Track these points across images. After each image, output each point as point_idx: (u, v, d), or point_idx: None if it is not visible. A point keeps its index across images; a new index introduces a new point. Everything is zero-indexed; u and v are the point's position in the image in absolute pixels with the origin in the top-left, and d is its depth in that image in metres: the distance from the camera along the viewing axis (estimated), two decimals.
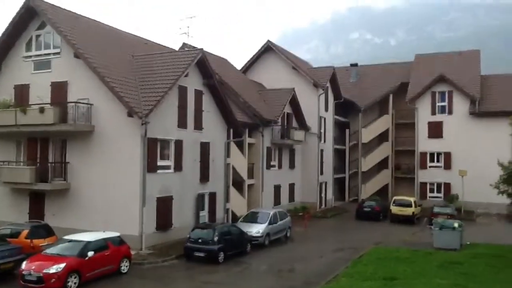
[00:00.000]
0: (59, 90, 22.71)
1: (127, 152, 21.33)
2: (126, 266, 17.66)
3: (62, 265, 15.05)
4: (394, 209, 34.22)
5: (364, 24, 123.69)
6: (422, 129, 43.01)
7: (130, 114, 21.00)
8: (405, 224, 32.68)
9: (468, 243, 24.53)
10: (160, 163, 22.50)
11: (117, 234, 18.06)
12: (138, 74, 24.00)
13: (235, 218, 27.91)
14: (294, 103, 36.55)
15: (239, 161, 29.97)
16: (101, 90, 21.63)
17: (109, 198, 21.35)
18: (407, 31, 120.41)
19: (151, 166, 21.64)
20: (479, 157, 38.35)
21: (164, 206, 22.47)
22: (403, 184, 45.36)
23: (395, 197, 36.33)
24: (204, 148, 25.80)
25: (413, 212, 33.70)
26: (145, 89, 22.61)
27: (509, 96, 40.12)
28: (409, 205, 34.07)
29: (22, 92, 23.69)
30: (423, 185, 42.60)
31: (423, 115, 42.99)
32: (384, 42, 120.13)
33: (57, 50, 23.15)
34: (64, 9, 24.98)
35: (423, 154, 42.78)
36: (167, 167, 23.09)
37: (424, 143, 42.75)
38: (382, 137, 46.99)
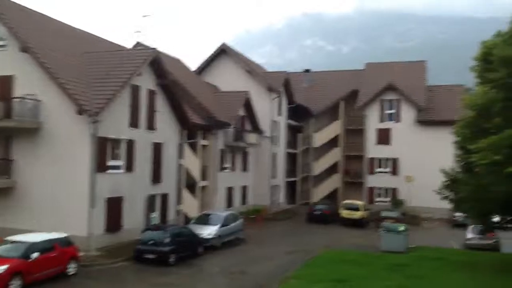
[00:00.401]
0: (4, 85, 21.63)
1: (76, 151, 20.67)
2: (74, 268, 17.07)
3: (4, 267, 14.36)
4: (344, 212, 35.05)
5: (317, 31, 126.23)
6: (370, 136, 44.34)
7: (79, 112, 20.39)
8: (354, 228, 33.52)
9: (414, 246, 25.46)
10: (110, 163, 21.97)
11: (64, 235, 17.43)
12: (90, 71, 23.32)
13: (187, 220, 27.65)
14: (248, 106, 36.71)
15: (192, 163, 29.72)
16: (50, 86, 20.85)
17: (57, 198, 20.56)
18: (359, 39, 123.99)
19: (101, 166, 21.07)
20: (425, 163, 39.91)
21: (114, 207, 21.91)
22: (352, 189, 46.47)
23: (344, 201, 37.22)
24: (157, 149, 25.40)
25: (361, 216, 34.62)
26: (96, 87, 22.00)
27: (453, 106, 42.04)
28: (358, 209, 35.00)
29: None
30: (371, 189, 43.89)
31: (372, 122, 44.35)
32: (337, 49, 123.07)
33: (3, 43, 22.06)
34: (11, 0, 23.89)
35: (372, 160, 44.10)
36: (118, 167, 22.56)
37: (373, 149, 44.08)
38: (333, 142, 47.99)
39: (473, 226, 26.44)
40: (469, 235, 27.24)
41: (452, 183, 22.08)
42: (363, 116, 44.84)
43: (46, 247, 16.07)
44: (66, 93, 20.42)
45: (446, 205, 25.23)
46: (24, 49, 21.25)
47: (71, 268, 16.95)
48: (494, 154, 17.13)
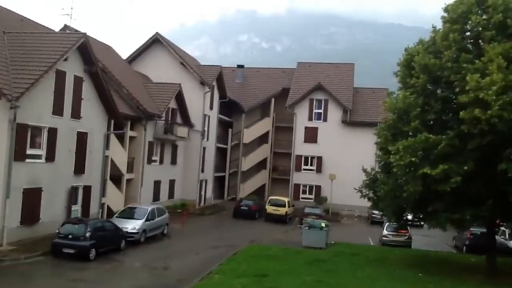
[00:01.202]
0: None
1: None
2: None
3: None
4: (269, 208, 35.76)
5: (252, 28, 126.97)
6: (299, 134, 45.55)
7: None
8: (279, 223, 34.32)
9: (333, 242, 26.58)
10: (29, 151, 20.88)
11: None
12: (11, 53, 21.95)
13: (111, 213, 26.91)
14: (179, 98, 36.29)
15: (119, 154, 28.94)
16: None
17: None
18: (291, 39, 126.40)
19: (19, 154, 19.97)
20: (348, 162, 41.65)
21: (32, 198, 20.88)
22: (280, 185, 47.56)
23: (270, 197, 38.00)
24: (81, 138, 24.46)
25: (286, 212, 35.52)
26: (17, 70, 20.76)
27: (376, 108, 44.18)
28: (283, 205, 35.85)
29: None
30: (297, 186, 45.15)
31: (301, 120, 45.58)
32: (271, 47, 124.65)
33: None
34: None
35: (299, 157, 45.33)
36: (38, 157, 21.51)
37: (300, 147, 45.33)
38: (262, 139, 48.75)
39: (388, 223, 28.01)
40: (385, 232, 28.85)
41: (372, 182, 23.23)
42: (292, 114, 45.91)
43: None
44: None
45: (366, 203, 26.55)
46: None
47: None
48: (410, 156, 18.29)
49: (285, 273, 18.49)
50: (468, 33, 20.01)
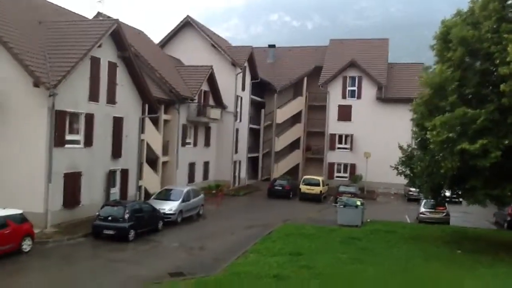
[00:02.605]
0: None
1: (32, 125, 20.10)
2: (29, 245, 16.83)
3: None
4: (303, 188, 35.76)
5: (282, 7, 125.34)
6: (332, 112, 45.04)
7: (36, 84, 19.74)
8: (313, 202, 34.33)
9: (369, 220, 26.41)
10: (68, 137, 21.51)
11: (19, 211, 17.11)
12: (47, 42, 22.50)
13: (148, 195, 27.59)
14: (211, 81, 36.45)
15: (154, 138, 29.49)
16: (3, 57, 20.02)
17: (12, 173, 20.02)
18: (322, 16, 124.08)
19: (58, 141, 20.63)
20: (383, 140, 41.02)
21: (72, 182, 21.61)
22: (313, 164, 47.40)
23: (304, 177, 37.93)
24: (117, 123, 25.01)
25: (320, 191, 35.45)
26: (54, 59, 21.28)
27: (411, 84, 43.05)
28: (317, 184, 35.77)
29: None
30: (331, 165, 44.85)
31: (334, 98, 44.99)
32: (302, 25, 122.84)
33: None
34: None
35: (333, 136, 44.91)
36: (77, 142, 22.15)
37: (334, 126, 44.86)
38: (295, 118, 48.52)
39: (425, 200, 27.57)
40: (422, 209, 28.42)
41: (408, 159, 22.86)
42: (325, 92, 45.38)
43: None
44: (21, 64, 19.66)
45: (402, 180, 26.22)
46: None
47: (26, 245, 16.70)
48: (448, 131, 17.84)
49: (320, 251, 18.57)
50: (509, 1, 19.12)
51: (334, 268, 16.29)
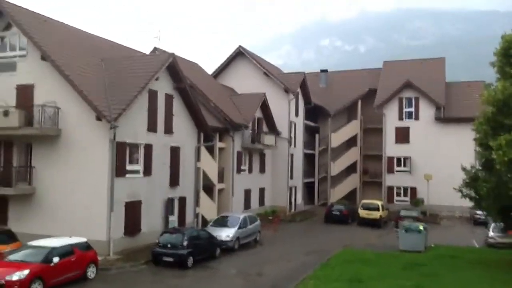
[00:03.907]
0: (24, 93, 22.24)
1: (95, 156, 21.07)
2: (93, 272, 17.42)
3: (26, 272, 14.74)
4: (362, 212, 34.87)
5: (333, 31, 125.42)
6: (389, 134, 44.01)
7: (98, 118, 20.77)
8: (373, 227, 33.33)
9: (432, 245, 25.23)
10: (129, 167, 22.32)
11: (83, 239, 17.81)
12: (108, 77, 23.76)
13: (205, 222, 27.90)
14: (265, 108, 36.83)
15: (210, 166, 29.98)
16: (69, 93, 21.32)
17: (76, 203, 21.01)
18: (375, 39, 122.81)
19: (119, 171, 21.44)
20: (444, 161, 39.51)
21: (133, 210, 22.28)
22: (371, 188, 46.25)
23: (363, 201, 37.02)
24: (174, 152, 25.72)
25: (380, 216, 34.40)
26: (114, 93, 22.37)
27: (471, 102, 41.44)
28: (377, 209, 34.78)
29: None
30: (390, 189, 43.55)
31: (391, 120, 44.01)
32: (354, 49, 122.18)
33: (23, 52, 22.70)
34: (31, 10, 24.52)
35: (390, 159, 43.74)
36: (136, 172, 22.92)
37: (392, 148, 43.74)
38: (350, 142, 47.82)
39: (494, 224, 26.04)
40: (491, 233, 26.83)
41: (472, 181, 21.81)
42: (381, 115, 44.53)
43: (66, 251, 16.45)
44: (85, 99, 20.81)
45: (467, 203, 24.93)
46: (44, 58, 21.80)
47: (90, 272, 17.31)
48: None
49: (381, 278, 17.88)
50: None
51: None
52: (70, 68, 21.81)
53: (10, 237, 19.18)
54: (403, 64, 49.13)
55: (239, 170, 33.68)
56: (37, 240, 17.20)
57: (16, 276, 14.55)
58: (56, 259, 15.69)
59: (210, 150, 30.53)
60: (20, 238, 19.30)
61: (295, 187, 41.27)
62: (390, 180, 43.67)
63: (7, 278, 14.49)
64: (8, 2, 23.06)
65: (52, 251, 15.96)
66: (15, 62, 22.87)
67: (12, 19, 22.49)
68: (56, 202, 21.45)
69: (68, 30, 26.30)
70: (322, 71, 53.17)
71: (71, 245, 16.94)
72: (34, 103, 21.70)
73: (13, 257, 15.92)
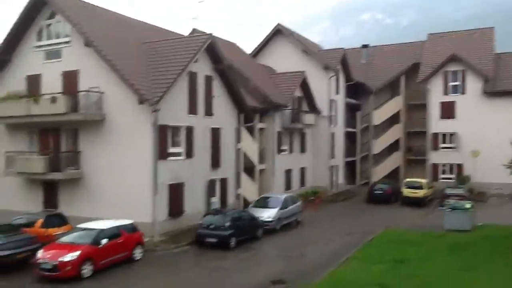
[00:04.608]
0: (70, 79, 22.89)
1: (138, 139, 21.51)
2: (140, 253, 18.02)
3: (77, 253, 15.41)
4: (406, 191, 34.21)
5: (373, 4, 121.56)
6: (434, 110, 42.58)
7: (141, 102, 21.09)
8: (417, 207, 32.70)
9: (480, 224, 24.49)
10: (171, 150, 22.66)
11: (130, 221, 18.39)
12: (148, 61, 24.05)
13: (246, 203, 28.16)
14: (304, 86, 36.41)
15: (250, 146, 30.09)
16: (112, 78, 21.74)
17: (121, 186, 21.63)
18: (417, 11, 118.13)
19: (162, 153, 21.83)
20: (492, 137, 37.98)
21: (176, 193, 22.73)
22: (415, 166, 45.15)
23: (406, 179, 36.28)
24: (215, 134, 25.92)
25: (424, 194, 33.68)
26: (155, 76, 22.67)
27: None
28: (421, 187, 34.04)
29: (33, 82, 23.93)
30: (435, 166, 42.36)
31: (435, 95, 42.51)
32: (396, 22, 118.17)
33: (68, 39, 23.26)
34: None
35: (435, 135, 42.43)
36: (178, 154, 23.26)
37: (436, 124, 42.36)
38: (393, 119, 46.68)
39: None
40: None
41: None
42: (425, 90, 43.11)
43: (113, 233, 17.05)
44: (127, 84, 21.13)
45: None
46: (88, 44, 22.26)
47: (137, 253, 17.92)
48: None
49: (426, 259, 17.60)
50: None
51: (443, 277, 15.31)
52: (112, 53, 22.18)
53: (61, 220, 20.11)
54: (448, 36, 47.07)
55: (279, 150, 33.64)
56: (86, 222, 17.90)
57: (68, 257, 15.25)
58: (104, 241, 16.29)
59: (250, 131, 30.61)
60: (70, 221, 20.19)
61: (337, 167, 40.89)
62: (434, 157, 42.45)
63: (60, 259, 15.21)
64: None
65: (101, 233, 16.58)
66: (60, 49, 23.50)
67: (56, 7, 23.05)
68: (103, 186, 22.17)
69: (109, 15, 26.71)
70: (363, 46, 51.74)
71: (118, 227, 17.53)
72: (79, 88, 22.31)
73: (64, 239, 16.66)
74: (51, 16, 23.78)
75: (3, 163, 23.98)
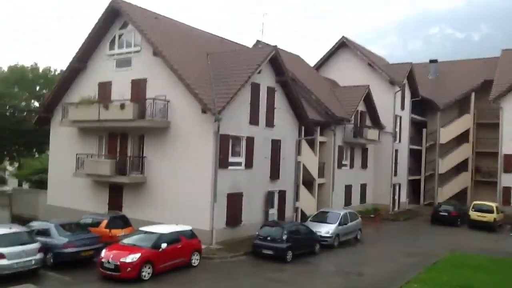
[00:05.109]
0: (138, 87, 23.78)
1: (200, 148, 21.86)
2: (197, 260, 18.15)
3: (138, 255, 15.75)
4: (473, 214, 32.39)
5: (443, 18, 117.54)
6: (507, 130, 40.07)
7: (204, 111, 21.47)
8: (485, 231, 30.83)
9: None
10: (231, 159, 22.83)
11: (189, 227, 18.60)
12: (213, 71, 24.50)
13: (304, 217, 27.77)
14: (368, 100, 35.63)
15: (310, 160, 29.74)
16: (177, 87, 22.32)
17: (182, 192, 22.03)
18: (490, 25, 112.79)
19: (222, 163, 22.03)
20: None
21: (234, 202, 22.82)
22: (484, 189, 42.72)
23: (474, 202, 34.33)
24: (275, 146, 25.85)
25: (494, 219, 31.70)
26: (219, 86, 23.02)
27: None
28: (491, 211, 32.08)
29: (105, 89, 25.08)
30: (507, 190, 39.75)
31: (509, 114, 40.09)
32: (467, 36, 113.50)
33: (137, 49, 24.23)
34: (144, 9, 26.10)
35: (508, 157, 39.86)
36: (238, 164, 23.39)
37: (510, 145, 39.82)
38: (461, 138, 44.56)
39: None
40: None
41: None
42: (497, 108, 40.80)
43: (173, 238, 17.28)
44: (192, 93, 21.59)
45: None
46: (156, 53, 23.07)
47: (195, 260, 18.04)
48: None
49: (495, 286, 16.42)
50: None
51: None
52: (178, 62, 22.80)
53: (124, 222, 20.75)
54: None
55: (340, 165, 33.00)
56: (147, 226, 18.33)
57: (129, 258, 15.61)
58: (164, 245, 16.54)
59: (311, 144, 30.27)
60: (132, 224, 20.78)
61: (399, 185, 39.51)
62: (506, 180, 39.85)
63: (122, 260, 15.60)
64: (124, 2, 24.73)
65: (161, 237, 16.85)
66: (130, 58, 24.53)
67: (128, 18, 24.09)
68: (164, 191, 22.68)
69: (177, 26, 27.59)
70: (432, 61, 50.06)
71: (178, 233, 17.77)
72: (147, 96, 23.07)
73: (126, 241, 17.09)
74: (124, 26, 24.89)
75: (74, 165, 25.22)
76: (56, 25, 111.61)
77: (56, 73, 44.74)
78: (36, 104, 44.00)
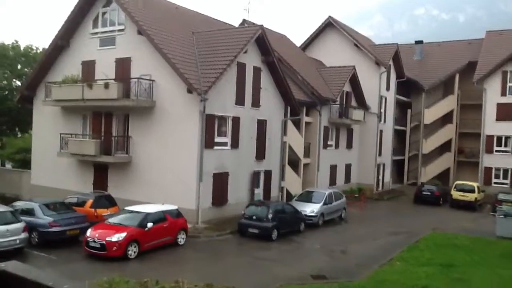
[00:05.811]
0: (122, 66, 23.48)
1: (185, 127, 21.81)
2: (183, 239, 18.28)
3: (123, 235, 15.81)
4: (455, 194, 32.99)
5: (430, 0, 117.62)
6: (490, 111, 40.75)
7: (189, 91, 21.34)
8: (467, 211, 31.48)
9: None
10: (217, 139, 22.84)
11: (175, 207, 18.68)
12: (198, 50, 24.28)
13: (289, 196, 28.02)
14: (354, 81, 35.71)
15: (296, 140, 29.87)
16: (163, 66, 22.10)
17: (168, 172, 22.03)
18: (475, 7, 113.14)
19: (208, 142, 22.03)
20: None
21: (220, 182, 22.91)
22: (466, 169, 43.52)
23: (456, 182, 34.97)
24: (261, 126, 25.88)
25: (475, 198, 32.34)
26: (204, 66, 22.86)
27: None
28: (472, 191, 32.71)
29: (88, 68, 24.72)
30: (488, 170, 40.60)
31: (492, 96, 40.65)
32: (452, 18, 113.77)
33: (122, 27, 23.83)
34: None
35: (490, 138, 40.63)
36: (224, 144, 23.42)
37: (492, 126, 40.55)
38: (445, 119, 45.09)
39: None
40: None
41: None
42: (481, 90, 41.31)
43: (159, 217, 17.39)
44: (177, 72, 21.40)
45: None
46: (140, 32, 22.72)
47: (181, 238, 18.19)
48: None
49: (475, 265, 16.88)
50: None
51: (492, 284, 14.63)
52: (164, 42, 22.53)
53: (109, 202, 20.73)
54: (508, 33, 44.84)
55: (325, 145, 33.22)
56: (133, 205, 18.35)
57: (115, 237, 15.68)
58: (150, 224, 16.62)
59: (297, 124, 30.36)
60: (117, 203, 20.76)
61: (383, 165, 39.98)
62: (488, 160, 40.68)
63: (108, 239, 15.66)
64: None
65: (147, 216, 16.92)
66: (114, 37, 24.12)
67: None
68: (150, 171, 22.65)
69: (162, 4, 27.14)
70: (417, 42, 50.20)
71: (164, 212, 17.85)
72: (131, 75, 22.82)
73: (112, 220, 17.14)
74: (107, 3, 24.43)
75: (58, 144, 24.99)
76: (37, 1, 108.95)
77: (38, 51, 43.84)
78: (18, 83, 43.19)
